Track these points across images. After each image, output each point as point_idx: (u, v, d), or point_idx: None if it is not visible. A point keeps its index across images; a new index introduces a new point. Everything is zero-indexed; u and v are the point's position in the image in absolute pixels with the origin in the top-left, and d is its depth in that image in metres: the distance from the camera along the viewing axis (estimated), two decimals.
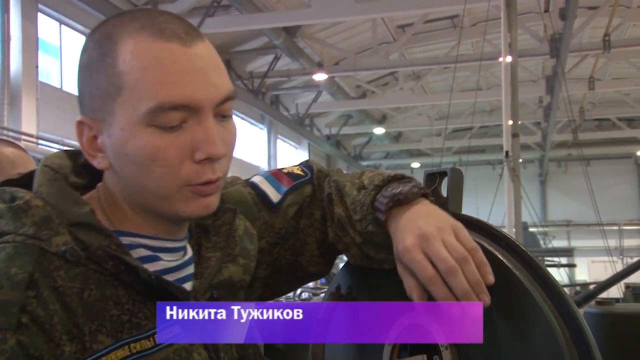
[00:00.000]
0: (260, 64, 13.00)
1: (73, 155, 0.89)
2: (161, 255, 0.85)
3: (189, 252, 0.90)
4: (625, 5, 11.66)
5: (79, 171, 0.87)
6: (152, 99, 0.76)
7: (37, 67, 8.11)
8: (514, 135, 6.44)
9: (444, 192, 1.13)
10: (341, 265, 1.28)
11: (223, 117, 0.82)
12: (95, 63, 0.79)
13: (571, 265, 13.19)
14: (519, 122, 7.53)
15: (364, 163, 21.50)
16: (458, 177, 1.09)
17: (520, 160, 7.52)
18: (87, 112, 0.81)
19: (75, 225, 0.78)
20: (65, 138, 8.62)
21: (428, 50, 13.97)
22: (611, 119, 18.32)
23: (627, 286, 4.36)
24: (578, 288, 7.54)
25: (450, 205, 1.09)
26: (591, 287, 1.64)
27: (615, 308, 1.31)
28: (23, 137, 7.56)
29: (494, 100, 15.30)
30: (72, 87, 9.25)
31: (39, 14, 8.34)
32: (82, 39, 9.51)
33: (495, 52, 10.20)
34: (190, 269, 0.88)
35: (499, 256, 0.93)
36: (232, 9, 10.09)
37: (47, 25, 8.80)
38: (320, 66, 12.50)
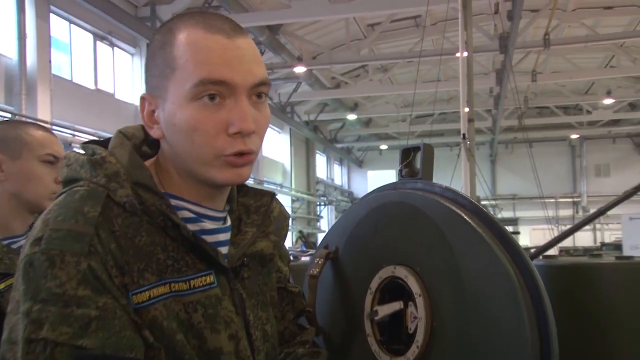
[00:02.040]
0: None
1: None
2: (203, 220, 0.88)
3: (228, 222, 0.93)
4: (562, 9, 11.76)
5: (151, 144, 0.92)
6: (196, 75, 0.81)
7: (50, 61, 7.93)
8: (470, 121, 6.47)
9: (417, 164, 1.17)
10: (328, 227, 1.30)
11: (258, 97, 0.85)
12: (157, 50, 0.85)
13: (516, 233, 13.37)
14: (474, 109, 7.57)
15: (339, 145, 21.49)
16: (429, 151, 1.13)
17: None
18: (148, 90, 0.87)
19: (137, 184, 0.83)
20: (75, 124, 8.48)
21: (394, 46, 13.92)
22: (550, 107, 18.55)
23: (561, 249, 4.51)
24: None
25: (423, 175, 1.13)
26: (532, 250, 1.72)
27: (558, 261, 1.38)
28: (39, 123, 7.40)
29: (451, 90, 15.35)
30: (81, 79, 9.08)
31: (51, 15, 8.15)
32: (89, 37, 9.32)
33: (453, 48, 10.20)
34: (227, 236, 0.91)
35: (466, 217, 0.97)
36: (221, 9, 9.94)
37: (58, 25, 8.58)
38: (299, 60, 12.37)
